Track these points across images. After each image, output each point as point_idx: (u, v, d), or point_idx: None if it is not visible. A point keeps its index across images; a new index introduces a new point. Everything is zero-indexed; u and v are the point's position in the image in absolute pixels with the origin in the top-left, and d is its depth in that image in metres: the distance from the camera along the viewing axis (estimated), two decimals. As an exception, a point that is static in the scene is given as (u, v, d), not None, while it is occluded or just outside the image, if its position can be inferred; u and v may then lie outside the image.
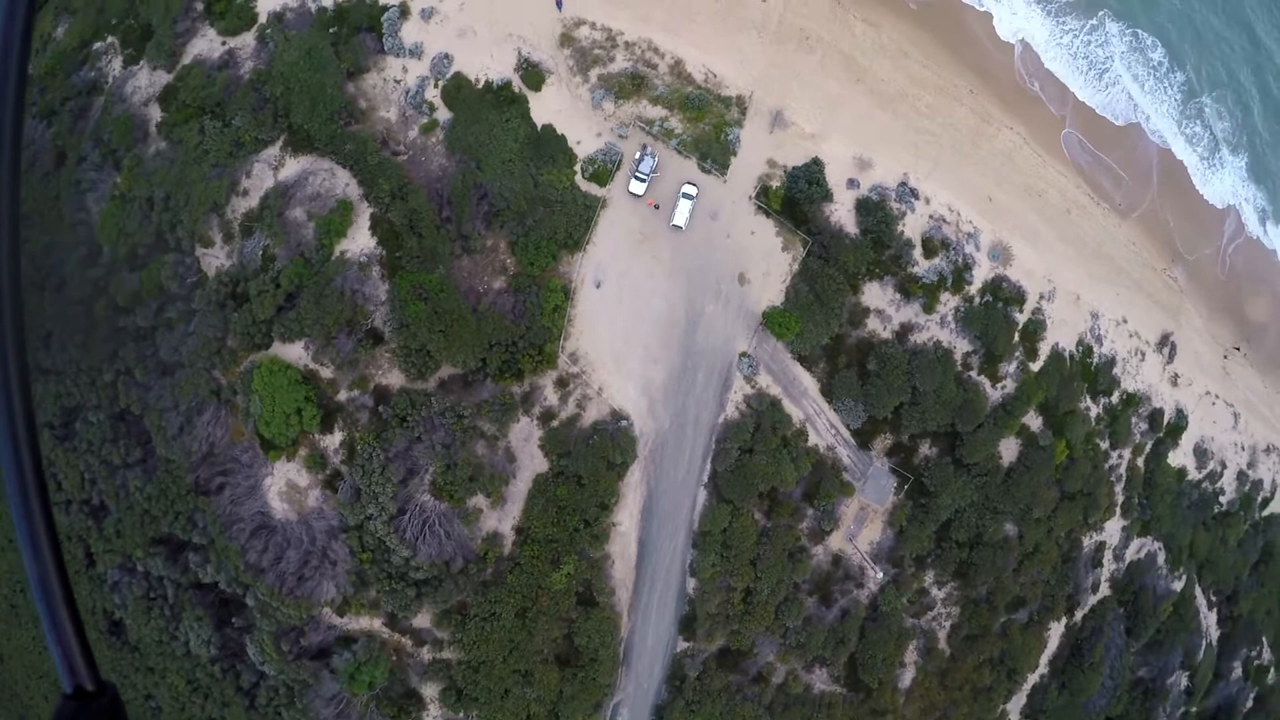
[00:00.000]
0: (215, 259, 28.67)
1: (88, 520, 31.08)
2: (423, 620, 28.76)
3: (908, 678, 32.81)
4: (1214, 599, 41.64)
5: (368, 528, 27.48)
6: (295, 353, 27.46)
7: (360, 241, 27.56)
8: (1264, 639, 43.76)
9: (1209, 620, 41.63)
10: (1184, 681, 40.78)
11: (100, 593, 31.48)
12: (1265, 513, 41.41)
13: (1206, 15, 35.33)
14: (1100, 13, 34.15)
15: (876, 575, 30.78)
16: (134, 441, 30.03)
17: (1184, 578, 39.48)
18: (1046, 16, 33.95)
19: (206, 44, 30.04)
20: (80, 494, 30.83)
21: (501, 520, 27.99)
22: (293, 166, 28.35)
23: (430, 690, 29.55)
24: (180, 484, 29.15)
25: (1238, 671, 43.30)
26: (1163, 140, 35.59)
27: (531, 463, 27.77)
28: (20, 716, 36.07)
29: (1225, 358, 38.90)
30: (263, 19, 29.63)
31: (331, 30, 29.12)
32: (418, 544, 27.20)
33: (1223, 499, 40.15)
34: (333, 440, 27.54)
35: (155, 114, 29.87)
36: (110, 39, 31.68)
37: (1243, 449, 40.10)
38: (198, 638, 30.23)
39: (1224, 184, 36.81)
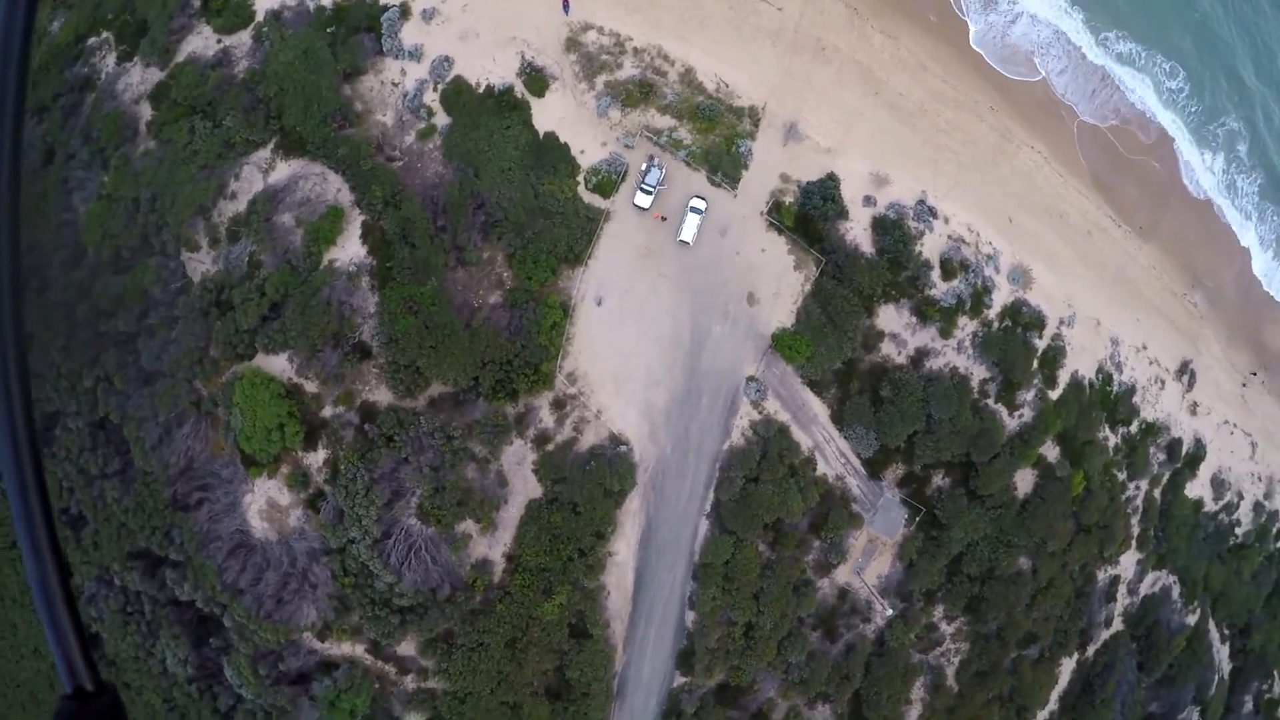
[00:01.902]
0: (201, 264, 27.50)
1: (65, 530, 29.88)
2: (407, 648, 27.48)
3: (914, 715, 31.50)
4: (1227, 632, 40.47)
5: (351, 551, 26.21)
6: (279, 365, 26.25)
7: (350, 250, 26.38)
8: (1275, 672, 42.58)
9: (1221, 654, 40.43)
10: (1195, 717, 39.53)
11: (77, 604, 30.28)
12: (1280, 544, 40.29)
13: (1228, 38, 34.46)
14: (1119, 33, 33.24)
15: (884, 610, 29.46)
16: (113, 451, 28.85)
17: (1198, 611, 38.32)
18: (1071, 32, 32.96)
19: (201, 41, 29.01)
20: (58, 503, 29.66)
21: (492, 547, 26.70)
22: (283, 170, 27.21)
23: (414, 720, 28.23)
24: (158, 497, 27.91)
25: (1249, 705, 42.10)
26: (1183, 162, 34.63)
27: (524, 487, 26.51)
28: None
29: (1244, 385, 37.84)
30: (260, 17, 28.58)
31: (329, 30, 28.04)
32: (403, 569, 25.91)
33: (1239, 531, 39.03)
34: (316, 458, 26.31)
35: (146, 112, 28.84)
36: (105, 34, 30.71)
37: (1260, 479, 39.00)
38: (174, 656, 28.99)
39: (1241, 208, 35.88)
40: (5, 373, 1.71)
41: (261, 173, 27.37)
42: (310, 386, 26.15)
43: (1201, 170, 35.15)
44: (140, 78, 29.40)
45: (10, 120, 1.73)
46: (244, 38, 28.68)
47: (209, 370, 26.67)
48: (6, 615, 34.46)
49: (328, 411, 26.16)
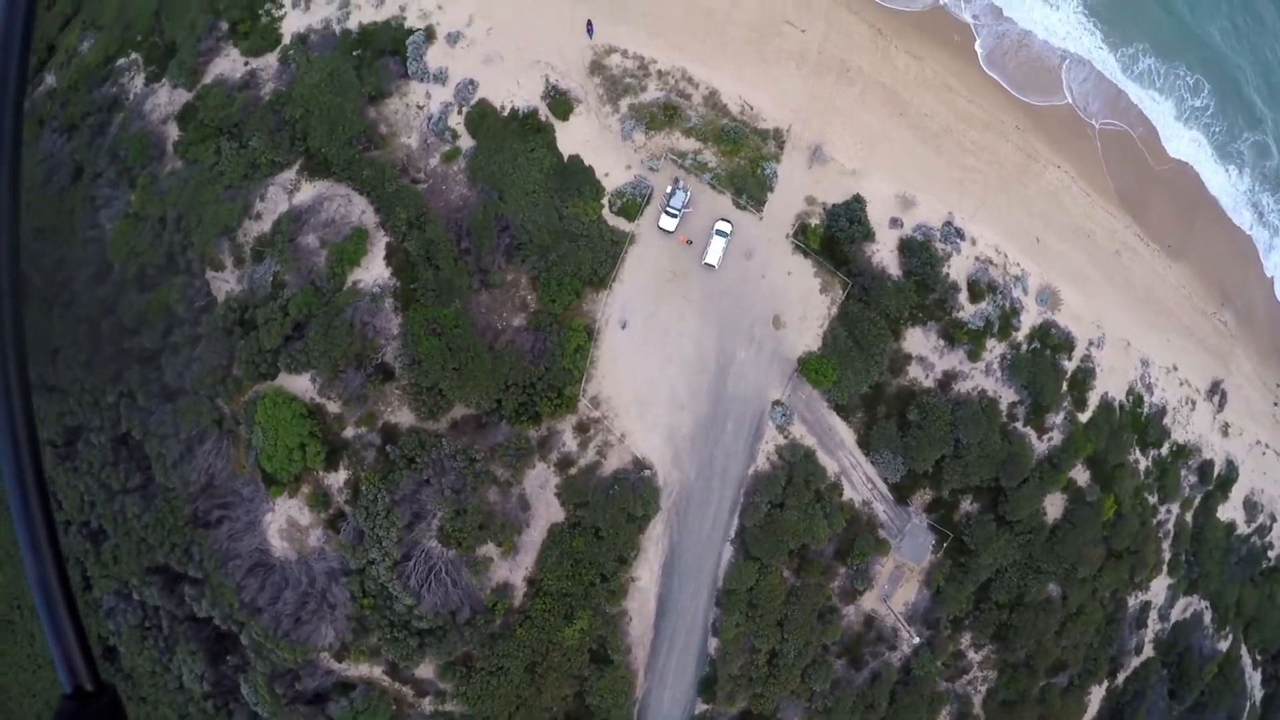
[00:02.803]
0: (225, 283, 27.66)
1: (86, 543, 29.99)
2: (425, 670, 27.16)
3: (939, 745, 30.68)
4: (1259, 658, 39.26)
5: (370, 572, 26.02)
6: (301, 385, 26.25)
7: (374, 271, 26.42)
8: (1309, 699, 41.18)
9: (1254, 680, 39.20)
10: (1227, 745, 38.29)
11: (95, 617, 30.40)
12: (1314, 567, 39.11)
13: (1250, 51, 33.96)
14: (1142, 46, 32.81)
15: (910, 638, 28.78)
16: (134, 467, 28.94)
17: (1230, 637, 37.21)
18: (1095, 50, 32.59)
19: (229, 64, 29.39)
20: (80, 516, 29.78)
21: (513, 571, 26.41)
22: (308, 191, 27.37)
23: (431, 745, 27.83)
24: (178, 514, 27.92)
25: (1281, 733, 40.67)
26: (1207, 180, 34.07)
27: (547, 511, 26.24)
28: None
29: (1276, 405, 36.93)
30: (286, 40, 28.92)
31: (355, 53, 28.29)
32: (422, 592, 25.66)
33: (1271, 554, 37.93)
34: (337, 479, 26.21)
35: (173, 132, 29.19)
36: (134, 55, 31.24)
37: (1292, 501, 37.93)
38: (191, 672, 28.87)
39: (1269, 225, 35.20)
40: (5, 375, 1.70)
41: (286, 194, 27.55)
42: (332, 407, 26.12)
43: (1226, 187, 34.57)
44: (168, 99, 29.81)
45: (10, 121, 1.70)
46: (270, 60, 29.01)
47: (231, 389, 26.73)
48: (25, 625, 34.57)
49: (349, 432, 26.10)
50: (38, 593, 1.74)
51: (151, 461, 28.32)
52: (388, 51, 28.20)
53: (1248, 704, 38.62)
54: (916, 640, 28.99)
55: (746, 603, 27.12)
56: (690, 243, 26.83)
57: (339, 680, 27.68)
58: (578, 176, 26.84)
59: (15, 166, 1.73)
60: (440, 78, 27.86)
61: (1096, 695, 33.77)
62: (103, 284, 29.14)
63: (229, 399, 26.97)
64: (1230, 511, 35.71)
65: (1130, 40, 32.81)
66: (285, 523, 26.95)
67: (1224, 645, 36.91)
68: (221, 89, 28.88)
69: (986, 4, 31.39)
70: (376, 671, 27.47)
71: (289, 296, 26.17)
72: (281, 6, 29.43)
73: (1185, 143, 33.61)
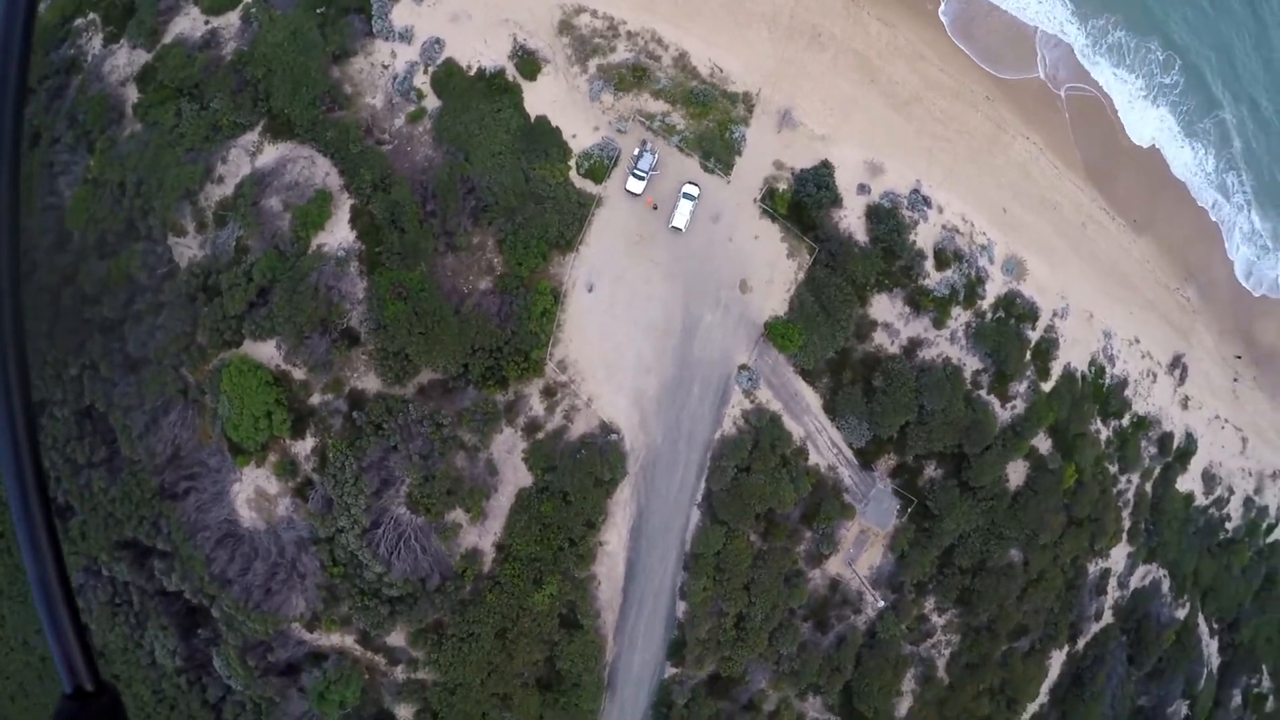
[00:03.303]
0: (188, 249, 27.06)
1: (53, 519, 29.48)
2: (397, 639, 27.24)
3: (904, 707, 31.51)
4: (1216, 626, 40.70)
5: (339, 540, 25.93)
6: (267, 352, 25.88)
7: (339, 235, 26.00)
8: (1264, 666, 42.89)
9: (1210, 648, 40.68)
10: (1184, 710, 39.79)
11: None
12: (1269, 539, 40.51)
13: (1229, 32, 34.29)
14: (1114, 17, 32.93)
15: (875, 601, 29.43)
16: (99, 440, 28.43)
17: (1187, 605, 38.48)
18: (1073, 23, 32.68)
19: (189, 23, 28.48)
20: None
21: (481, 536, 26.48)
22: (271, 153, 26.77)
23: (404, 712, 28.02)
24: (145, 487, 27.55)
25: (1237, 699, 42.39)
26: (1171, 157, 34.53)
27: (514, 476, 26.26)
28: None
29: (1235, 380, 37.96)
30: (248, -3, 28.08)
31: (319, 11, 27.55)
32: (392, 559, 25.66)
33: (1228, 525, 39.19)
34: (304, 446, 25.99)
35: (132, 94, 28.30)
36: (92, 15, 30.12)
37: (1250, 475, 39.15)
38: (163, 647, 28.68)
39: (1230, 204, 35.88)
40: (5, 374, 1.71)
41: (249, 156, 26.93)
42: (298, 374, 25.81)
43: (1192, 167, 35.08)
44: (127, 60, 28.88)
45: (9, 121, 1.71)
46: (232, 19, 28.16)
47: (196, 357, 26.29)
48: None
49: (316, 399, 25.84)
50: (37, 592, 1.74)
51: (117, 434, 27.85)
52: (352, 9, 27.51)
53: (1205, 671, 40.05)
54: (881, 604, 29.64)
55: (714, 566, 27.49)
56: (656, 207, 26.72)
57: (311, 650, 27.68)
58: (545, 138, 26.53)
59: (15, 167, 1.71)
60: (406, 36, 27.25)
61: (1057, 660, 34.80)
62: (62, 252, 28.39)
63: (193, 368, 26.53)
64: (1189, 483, 36.74)
65: (1101, 13, 32.92)
66: (253, 492, 26.72)
67: (1181, 613, 38.14)
68: (182, 49, 28.01)
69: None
70: (348, 641, 27.50)
71: (253, 261, 25.68)
72: (242, -38, 28.53)
73: (1151, 122, 33.93)
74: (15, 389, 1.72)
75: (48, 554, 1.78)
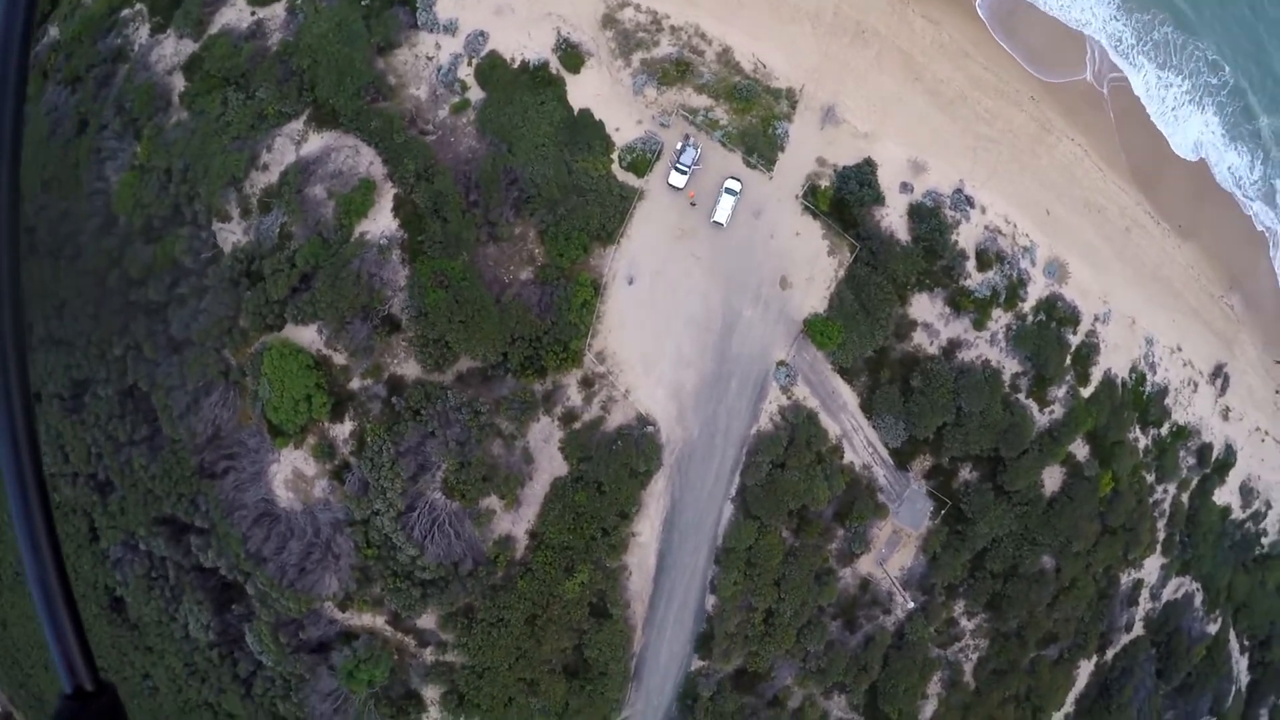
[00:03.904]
0: (232, 235, 27.60)
1: (93, 495, 30.33)
2: (427, 621, 27.61)
3: (929, 710, 31.25)
4: (1247, 644, 39.76)
5: (374, 523, 26.33)
6: (308, 336, 26.33)
7: (381, 223, 26.34)
8: (1293, 687, 41.81)
9: (1240, 665, 39.76)
10: (1211, 727, 38.95)
11: (103, 568, 30.81)
12: (1307, 557, 39.44)
13: (1268, 37, 33.15)
14: (1161, 14, 31.97)
15: (905, 602, 29.19)
16: (141, 419, 29.14)
17: (1219, 620, 37.65)
18: (1116, 21, 31.93)
19: (235, 14, 28.99)
20: (86, 468, 30.05)
21: (515, 523, 26.72)
22: (315, 142, 27.18)
23: (431, 693, 28.41)
24: (185, 465, 28.20)
25: (1265, 719, 41.38)
26: (1215, 161, 33.62)
27: (550, 465, 26.46)
28: (21, 685, 35.53)
29: (1278, 392, 36.97)
30: (294, -12, 28.48)
31: (364, 2, 27.88)
32: (426, 543, 26.01)
33: (1265, 541, 38.22)
34: (342, 430, 26.42)
35: (179, 83, 28.88)
36: (138, 5, 30.78)
37: (1289, 489, 38.13)
38: (197, 621, 29.37)
39: (1276, 212, 34.85)
40: (5, 374, 1.69)
41: (294, 144, 27.36)
42: (339, 358, 26.21)
43: (1237, 172, 34.14)
44: (173, 49, 29.45)
45: (10, 121, 1.69)
46: (278, 10, 28.61)
47: (238, 340, 26.81)
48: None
49: (355, 383, 26.22)
50: (38, 592, 1.72)
51: (158, 413, 28.51)
52: (397, 1, 27.81)
53: (1233, 688, 39.18)
54: (911, 605, 29.40)
55: (745, 561, 27.45)
56: (695, 204, 26.61)
57: (342, 630, 28.15)
58: (588, 131, 26.61)
59: (15, 167, 1.70)
60: (450, 28, 27.50)
61: (1085, 670, 34.26)
62: (108, 236, 29.07)
63: (235, 350, 27.07)
64: (1226, 496, 35.91)
65: (1148, 7, 31.99)
66: (291, 473, 27.22)
67: (1213, 629, 37.35)
68: (228, 39, 28.52)
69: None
70: (379, 621, 27.93)
71: (296, 248, 26.12)
72: (290, -46, 28.94)
73: (1194, 128, 32.96)
74: (15, 389, 1.71)
75: (48, 554, 1.74)
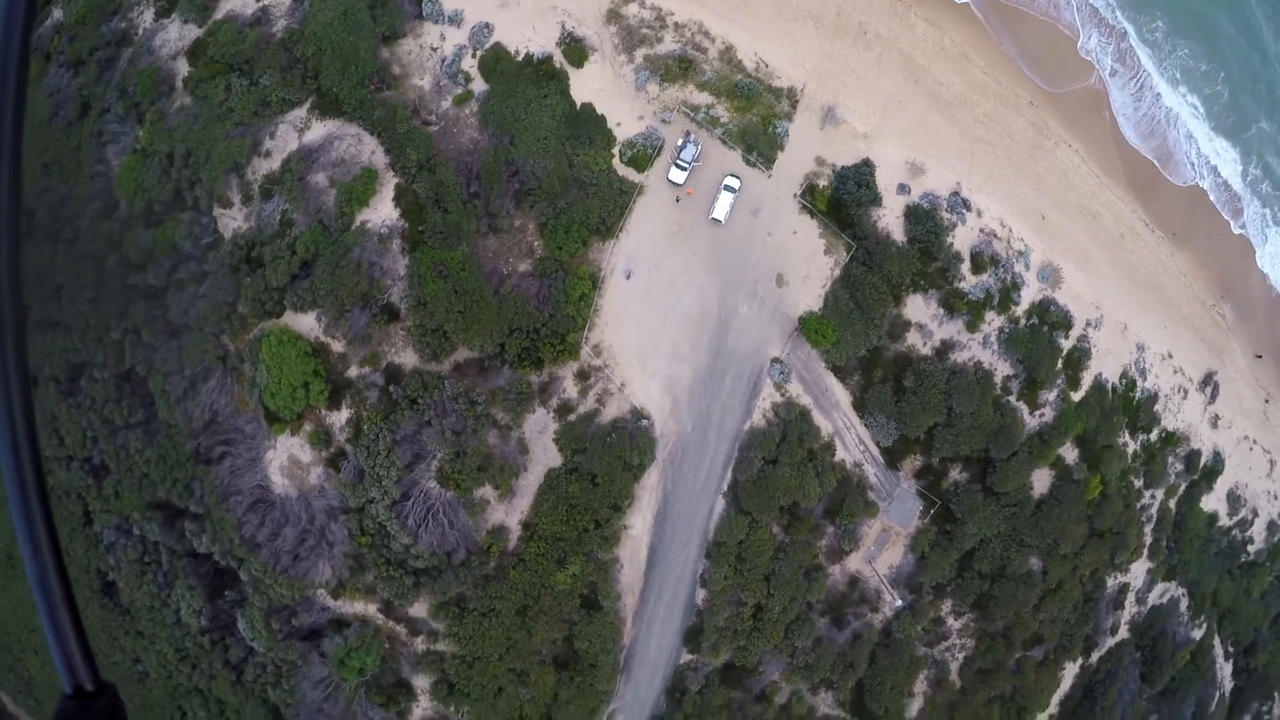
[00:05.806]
0: (232, 220, 27.68)
1: (88, 478, 30.36)
2: (419, 610, 27.77)
3: (915, 708, 31.58)
4: (1231, 650, 40.23)
5: (369, 511, 26.47)
6: (307, 324, 26.43)
7: (382, 212, 26.46)
8: (1277, 694, 42.31)
9: (1224, 671, 40.22)
10: (1193, 732, 39.37)
11: (95, 552, 30.83)
12: (1292, 565, 39.89)
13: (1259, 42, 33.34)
14: (1161, 24, 32.17)
15: (893, 600, 29.50)
16: (137, 403, 29.20)
17: (1204, 626, 38.08)
18: (1128, 36, 32.08)
19: (240, 0, 29.03)
20: (82, 451, 30.08)
21: (509, 514, 26.90)
22: (318, 130, 27.27)
23: (422, 682, 28.58)
24: (180, 450, 28.27)
25: (1247, 725, 41.85)
26: (1209, 171, 33.96)
27: (544, 456, 26.64)
28: (10, 668, 35.50)
29: (1267, 402, 37.39)
30: (299, -24, 28.54)
31: (369, -8, 27.96)
32: (419, 532, 26.16)
33: (1250, 548, 38.68)
34: (339, 417, 26.54)
35: (182, 68, 28.92)
36: (143, -11, 30.79)
37: (1276, 498, 38.57)
38: (189, 607, 29.45)
39: (1267, 221, 35.19)
40: (5, 375, 1.69)
41: (297, 132, 27.44)
42: (337, 346, 26.32)
43: (1232, 182, 34.46)
44: (178, 34, 29.49)
45: (10, 121, 1.70)
46: (284, -3, 28.68)
47: (237, 326, 26.90)
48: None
49: (353, 371, 26.35)
50: (38, 592, 1.72)
51: (155, 397, 28.56)
52: (403, -9, 27.91)
53: (1217, 694, 39.61)
54: (899, 603, 29.69)
55: (735, 556, 27.69)
56: (680, 200, 26.69)
57: (334, 617, 28.28)
58: (589, 125, 26.77)
59: (16, 167, 1.68)
60: (455, 20, 27.62)
61: (1070, 671, 34.63)
62: (109, 220, 29.09)
63: (234, 336, 27.14)
64: (1213, 503, 36.31)
65: (1148, 9, 32.15)
66: (286, 460, 27.32)
67: (1198, 634, 37.75)
68: (233, 25, 28.56)
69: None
70: (371, 609, 28.06)
71: (296, 235, 26.21)
72: (296, -58, 28.99)
73: (1198, 147, 32.86)
74: (15, 389, 1.69)
75: (48, 554, 1.73)
